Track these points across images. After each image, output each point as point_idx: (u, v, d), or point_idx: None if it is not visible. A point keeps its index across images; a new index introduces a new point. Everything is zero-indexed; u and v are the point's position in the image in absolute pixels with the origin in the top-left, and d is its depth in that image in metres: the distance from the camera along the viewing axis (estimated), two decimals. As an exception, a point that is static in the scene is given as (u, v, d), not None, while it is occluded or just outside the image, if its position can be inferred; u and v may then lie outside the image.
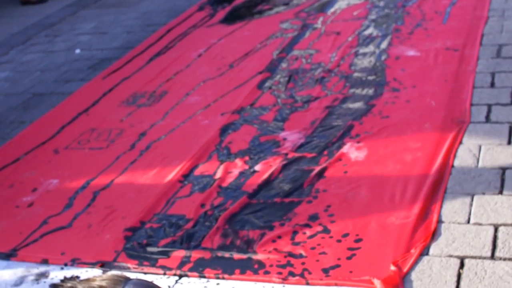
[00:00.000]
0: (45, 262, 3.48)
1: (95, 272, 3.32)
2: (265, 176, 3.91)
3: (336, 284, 2.95)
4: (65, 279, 3.25)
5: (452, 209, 3.37)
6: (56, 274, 3.36)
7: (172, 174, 4.10)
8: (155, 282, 3.09)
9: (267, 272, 3.10)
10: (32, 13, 8.43)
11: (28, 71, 6.42)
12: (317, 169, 3.90)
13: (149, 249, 3.43)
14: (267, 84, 5.20)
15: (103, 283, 2.81)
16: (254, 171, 4.00)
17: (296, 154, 4.11)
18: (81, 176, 4.32)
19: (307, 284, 3.00)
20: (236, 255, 3.27)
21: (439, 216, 3.32)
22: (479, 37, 5.51)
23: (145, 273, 3.25)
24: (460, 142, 3.97)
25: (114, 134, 4.82)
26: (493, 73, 4.84)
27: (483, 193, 3.47)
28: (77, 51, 6.85)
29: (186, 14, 7.46)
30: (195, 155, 4.27)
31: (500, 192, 3.46)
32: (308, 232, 3.36)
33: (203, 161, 4.21)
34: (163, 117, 4.94)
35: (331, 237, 3.30)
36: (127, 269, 3.31)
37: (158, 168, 4.23)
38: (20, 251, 3.61)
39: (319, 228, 3.37)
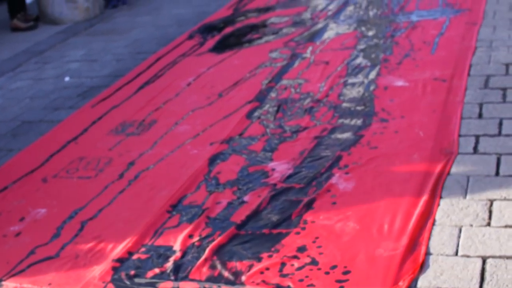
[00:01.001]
0: (32, 293, 3.47)
1: (82, 303, 3.31)
2: (254, 206, 3.91)
3: (324, 317, 2.95)
4: (52, 311, 3.23)
5: (440, 241, 3.37)
6: (43, 306, 3.35)
7: (160, 204, 4.10)
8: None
9: (255, 304, 3.10)
10: (22, 39, 8.44)
11: (17, 98, 6.42)
12: (306, 200, 3.90)
13: (137, 280, 3.42)
14: (256, 113, 5.21)
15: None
16: (243, 202, 4.00)
17: (285, 185, 4.11)
18: (69, 206, 4.30)
19: (295, 316, 2.99)
20: (224, 287, 3.26)
21: (427, 248, 3.33)
22: (467, 67, 5.55)
23: (133, 305, 3.25)
24: (448, 173, 3.99)
25: (103, 163, 4.81)
26: (481, 104, 4.87)
27: (471, 225, 3.47)
28: (67, 78, 6.85)
29: (176, 42, 7.48)
30: (184, 185, 4.27)
31: (488, 224, 3.47)
32: (296, 263, 3.35)
33: (191, 191, 4.20)
34: (152, 146, 4.94)
35: (319, 269, 3.29)
36: (114, 300, 3.30)
37: (146, 198, 4.22)
38: (6, 281, 3.59)
39: (307, 260, 3.37)
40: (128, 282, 3.41)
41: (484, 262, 3.18)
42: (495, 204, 3.63)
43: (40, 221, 4.19)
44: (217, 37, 7.42)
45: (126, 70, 6.82)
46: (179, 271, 3.43)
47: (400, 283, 3.08)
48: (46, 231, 4.03)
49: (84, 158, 4.93)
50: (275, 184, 4.13)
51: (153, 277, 3.42)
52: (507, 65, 5.50)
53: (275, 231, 3.66)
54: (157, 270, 3.47)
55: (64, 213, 4.21)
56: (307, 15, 7.76)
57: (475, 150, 4.23)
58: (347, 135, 4.66)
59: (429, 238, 3.41)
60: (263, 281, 3.25)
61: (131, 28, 8.53)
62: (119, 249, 3.69)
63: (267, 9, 8.28)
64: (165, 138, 5.04)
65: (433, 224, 3.53)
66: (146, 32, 8.21)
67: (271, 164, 4.40)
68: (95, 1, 9.18)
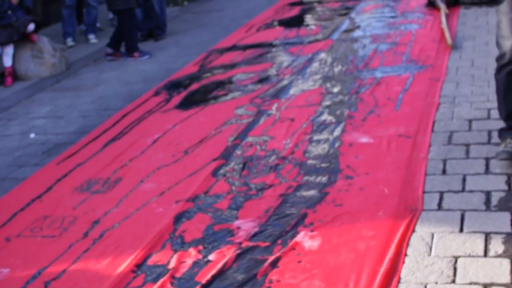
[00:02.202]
0: None
1: None
2: (219, 266, 3.89)
3: None
4: None
5: (405, 300, 3.38)
6: None
7: (125, 263, 4.06)
8: None
9: None
10: (-13, 96, 8.42)
11: (-19, 156, 6.38)
12: (271, 258, 3.89)
13: None
14: (222, 171, 5.21)
15: None
16: (208, 261, 3.97)
17: (250, 243, 4.10)
18: (32, 265, 4.25)
19: None
20: None
21: (393, 306, 3.33)
22: (431, 123, 5.61)
23: None
24: (413, 230, 4.01)
25: (67, 221, 4.77)
26: (445, 160, 4.91)
27: (436, 282, 3.49)
28: (32, 135, 6.82)
29: (142, 99, 7.49)
30: (149, 244, 4.24)
31: (453, 281, 3.49)
32: (262, 324, 3.34)
33: (156, 250, 4.18)
34: (117, 205, 4.91)
35: (285, 329, 3.28)
36: None
37: (111, 257, 4.18)
38: None
39: (273, 320, 3.35)
40: None
41: (449, 320, 3.19)
42: (459, 261, 3.65)
43: (2, 281, 4.13)
44: (183, 94, 7.44)
45: (92, 126, 6.81)
46: (143, 333, 3.39)
47: None
48: (9, 292, 3.98)
49: (48, 217, 4.89)
50: (240, 243, 4.12)
51: None
52: (470, 121, 5.56)
53: (240, 291, 3.64)
54: (121, 332, 3.44)
55: (28, 273, 4.16)
56: (272, 71, 7.82)
57: (440, 206, 4.26)
58: (312, 192, 4.67)
59: (394, 297, 3.41)
60: None
61: (97, 84, 8.54)
62: (82, 311, 3.65)
63: (232, 66, 8.33)
64: (130, 196, 5.02)
65: (399, 282, 3.53)
66: (112, 89, 8.22)
67: (237, 222, 4.39)
68: (61, 57, 9.19)
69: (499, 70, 4.73)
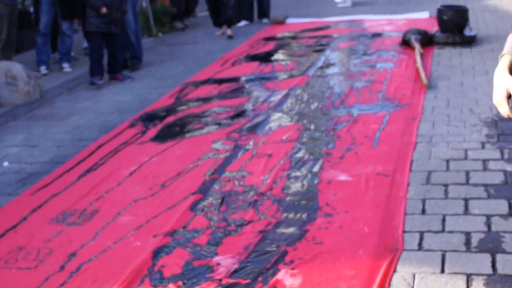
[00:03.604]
0: None
1: None
2: (199, 302, 3.86)
3: None
4: None
5: None
6: None
7: (103, 298, 4.01)
8: None
9: None
10: (-41, 123, 8.32)
11: (-47, 184, 6.28)
12: (252, 296, 3.86)
13: None
14: (200, 206, 5.18)
15: None
16: (188, 297, 3.94)
17: (231, 280, 4.06)
18: (7, 298, 4.18)
19: None
20: None
21: None
22: (409, 163, 5.64)
23: None
24: (395, 270, 4.00)
25: (43, 253, 4.69)
26: (424, 199, 4.93)
27: (418, 324, 3.48)
28: (5, 163, 6.73)
29: (117, 130, 7.44)
30: (127, 279, 4.18)
31: (435, 323, 3.48)
32: None
33: (135, 285, 4.12)
34: (94, 237, 4.85)
35: None
36: None
37: (88, 292, 4.13)
38: None
39: None
40: None
41: None
42: (441, 302, 3.65)
43: (-24, 314, 4.05)
44: (159, 126, 7.41)
45: (67, 157, 6.74)
46: None
47: None
48: (-17, 326, 3.90)
49: (23, 248, 4.81)
50: (220, 279, 4.08)
51: None
52: (447, 161, 5.60)
53: (221, 329, 3.60)
54: None
55: (2, 306, 4.09)
56: (249, 106, 7.81)
57: (420, 246, 4.27)
58: (292, 229, 4.65)
59: (377, 338, 3.40)
60: None
61: (71, 113, 8.47)
62: None
63: (208, 99, 8.32)
64: (107, 229, 4.96)
65: (381, 323, 3.52)
66: (86, 119, 8.16)
67: (216, 259, 4.36)
68: (35, 85, 9.12)
69: None
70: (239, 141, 6.56)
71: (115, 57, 10.08)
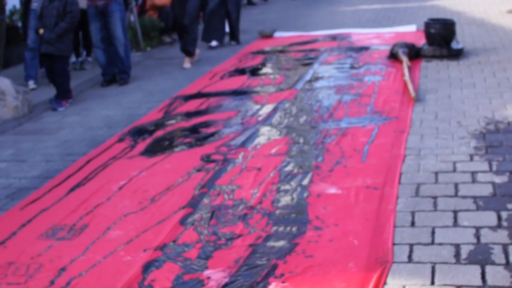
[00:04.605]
0: None
1: None
2: (190, 316, 3.85)
3: None
4: None
5: None
6: None
7: (94, 313, 4.00)
8: None
9: None
10: None
11: None
12: (243, 310, 3.86)
13: None
14: (190, 219, 5.18)
15: None
16: (179, 311, 3.93)
17: (221, 294, 4.07)
18: (-4, 314, 4.17)
19: None
20: None
21: None
22: (398, 175, 5.66)
23: None
24: (385, 283, 4.02)
25: (33, 268, 4.68)
26: (413, 212, 4.95)
27: (409, 337, 3.49)
28: (-6, 179, 6.73)
29: (106, 144, 7.43)
30: (118, 293, 4.19)
31: (426, 335, 3.49)
32: None
33: (125, 300, 4.12)
34: (84, 252, 4.84)
35: None
36: None
37: (78, 307, 4.12)
38: None
39: None
40: None
41: None
42: (431, 314, 3.66)
43: (-34, 330, 4.04)
44: (148, 140, 7.41)
45: (56, 171, 6.73)
46: None
47: None
48: None
49: (13, 263, 4.79)
50: (211, 293, 4.09)
51: None
52: (436, 174, 5.62)
53: None
54: None
55: (-8, 322, 4.07)
56: (237, 119, 7.82)
57: (410, 259, 4.28)
58: (282, 243, 4.66)
59: None
60: None
61: (59, 128, 8.46)
62: None
63: (197, 113, 8.33)
64: (97, 244, 4.96)
65: (372, 335, 3.53)
66: (75, 133, 8.15)
67: (207, 272, 4.36)
68: (24, 100, 9.11)
69: None
70: (228, 155, 6.57)
71: (55, 80, 9.82)
